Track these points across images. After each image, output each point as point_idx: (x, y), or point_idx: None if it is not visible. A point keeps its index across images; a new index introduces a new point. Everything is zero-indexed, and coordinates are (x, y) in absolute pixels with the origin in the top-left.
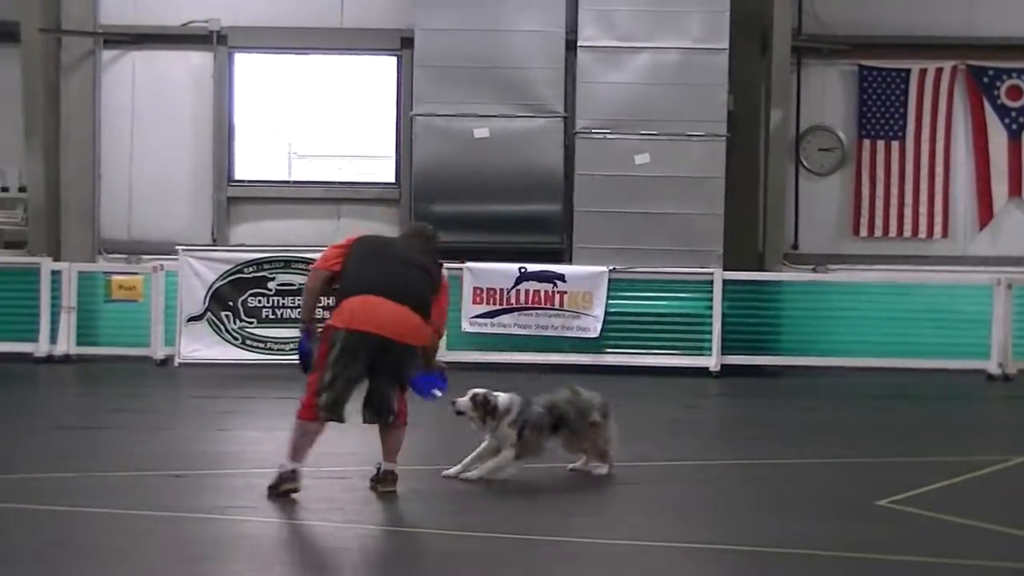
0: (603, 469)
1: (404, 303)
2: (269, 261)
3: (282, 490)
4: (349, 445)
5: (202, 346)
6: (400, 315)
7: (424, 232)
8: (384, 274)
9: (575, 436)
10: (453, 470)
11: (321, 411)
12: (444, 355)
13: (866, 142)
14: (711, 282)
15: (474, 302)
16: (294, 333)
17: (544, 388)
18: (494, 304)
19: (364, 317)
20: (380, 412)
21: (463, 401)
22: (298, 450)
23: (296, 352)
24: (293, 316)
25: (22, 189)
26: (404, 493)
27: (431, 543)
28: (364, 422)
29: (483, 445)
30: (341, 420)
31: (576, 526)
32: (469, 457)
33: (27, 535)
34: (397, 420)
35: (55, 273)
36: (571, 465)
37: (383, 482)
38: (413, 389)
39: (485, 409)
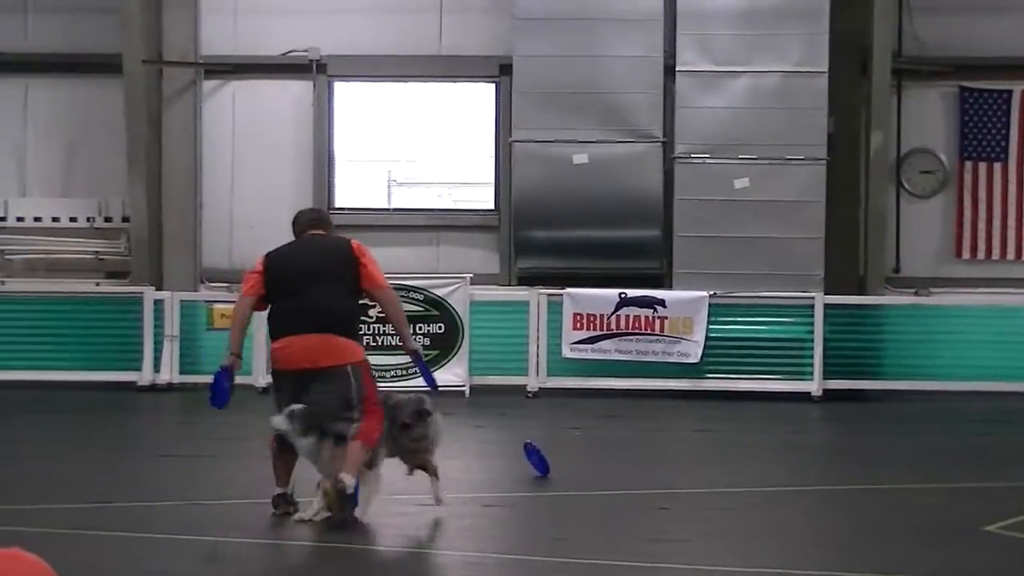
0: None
1: (325, 331)
2: None
3: (278, 513)
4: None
5: None
6: (320, 344)
7: (320, 217)
8: (300, 305)
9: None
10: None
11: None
12: (545, 381)
13: (968, 164)
14: (812, 306)
15: (574, 328)
16: (397, 360)
17: (646, 415)
18: (594, 330)
19: (286, 358)
20: (310, 427)
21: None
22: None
23: (212, 384)
24: (393, 343)
25: (125, 219)
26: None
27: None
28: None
29: None
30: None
31: (668, 552)
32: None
33: (132, 564)
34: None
35: (158, 302)
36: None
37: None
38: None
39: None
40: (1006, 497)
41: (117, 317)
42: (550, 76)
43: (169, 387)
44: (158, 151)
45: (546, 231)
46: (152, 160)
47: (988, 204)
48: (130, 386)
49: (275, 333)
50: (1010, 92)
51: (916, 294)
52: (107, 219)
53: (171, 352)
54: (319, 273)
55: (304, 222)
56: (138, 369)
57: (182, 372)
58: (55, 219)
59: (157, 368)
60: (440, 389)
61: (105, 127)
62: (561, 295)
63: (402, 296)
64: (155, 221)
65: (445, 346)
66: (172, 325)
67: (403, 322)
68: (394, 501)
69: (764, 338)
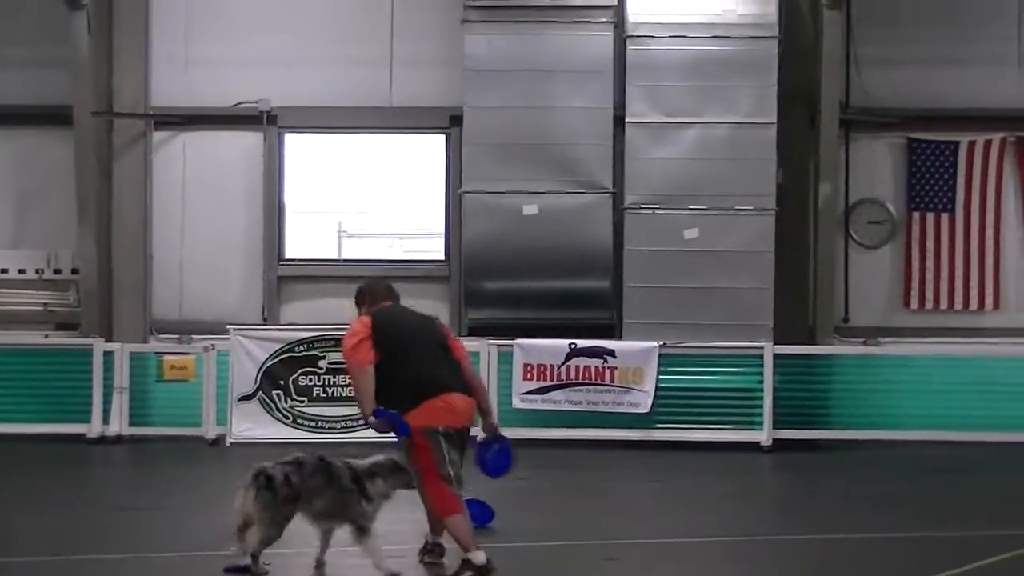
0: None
1: (464, 391)
2: (320, 340)
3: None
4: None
5: (254, 425)
6: (468, 404)
7: (395, 291)
8: (438, 366)
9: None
10: None
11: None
12: None
13: (916, 214)
14: (762, 356)
15: (524, 378)
16: (345, 411)
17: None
18: (545, 380)
19: (451, 414)
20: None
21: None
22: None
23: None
24: (345, 395)
25: (74, 271)
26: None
27: None
28: None
29: None
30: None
31: None
32: None
33: None
34: None
35: (107, 354)
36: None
37: (430, 554)
38: (485, 469)
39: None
40: (952, 546)
41: (66, 369)
42: (500, 127)
43: (119, 439)
44: (108, 202)
45: (496, 282)
46: (102, 211)
47: (936, 254)
48: (79, 438)
49: (426, 386)
50: (957, 143)
51: (865, 344)
52: (56, 271)
53: (121, 404)
54: (432, 334)
55: (383, 293)
56: (87, 421)
57: (132, 424)
58: (3, 271)
59: (107, 420)
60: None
61: (55, 178)
62: (511, 346)
63: None
64: (105, 272)
65: None
66: (122, 376)
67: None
68: (353, 552)
69: (714, 388)
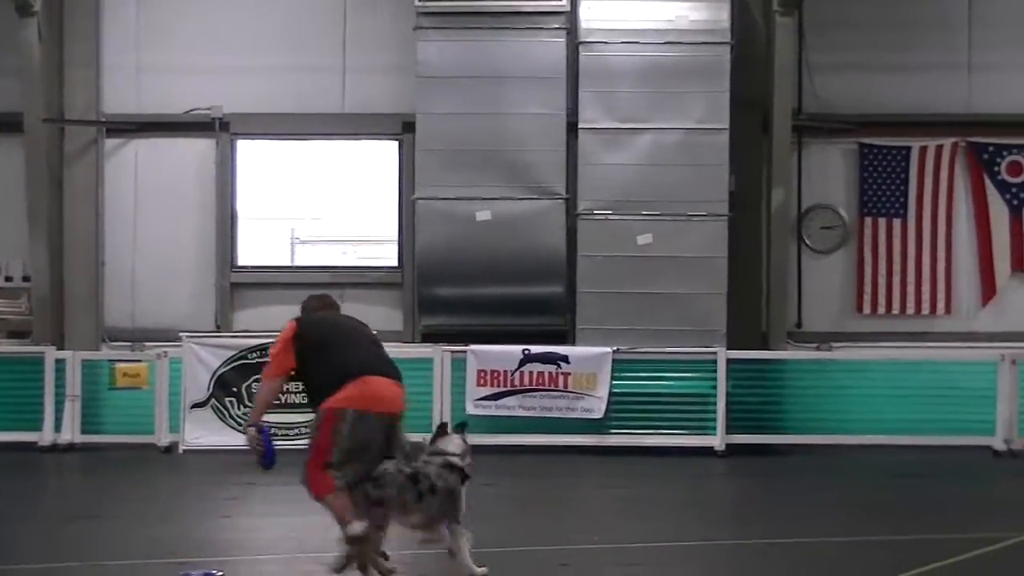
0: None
1: (393, 379)
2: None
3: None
4: None
5: (206, 432)
6: (394, 390)
7: (332, 301)
8: (364, 353)
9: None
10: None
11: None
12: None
13: (868, 220)
14: (715, 361)
15: (478, 384)
16: (299, 418)
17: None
18: (498, 386)
19: (376, 397)
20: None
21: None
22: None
23: (263, 450)
24: (298, 401)
25: (26, 279)
26: None
27: None
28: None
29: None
30: None
31: None
32: None
33: None
34: None
35: (59, 362)
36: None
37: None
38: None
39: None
40: (905, 550)
41: (18, 377)
42: (453, 133)
43: (71, 447)
44: (59, 210)
45: (450, 288)
46: (53, 219)
47: (888, 259)
48: (31, 446)
49: (341, 380)
50: (909, 148)
51: (818, 348)
52: (8, 278)
53: (73, 412)
54: (363, 333)
55: (316, 305)
56: (39, 429)
57: (84, 432)
58: None
59: (59, 428)
60: None
61: (6, 186)
62: (465, 352)
63: None
64: (56, 280)
65: None
66: (74, 385)
67: None
68: (304, 559)
69: (667, 393)
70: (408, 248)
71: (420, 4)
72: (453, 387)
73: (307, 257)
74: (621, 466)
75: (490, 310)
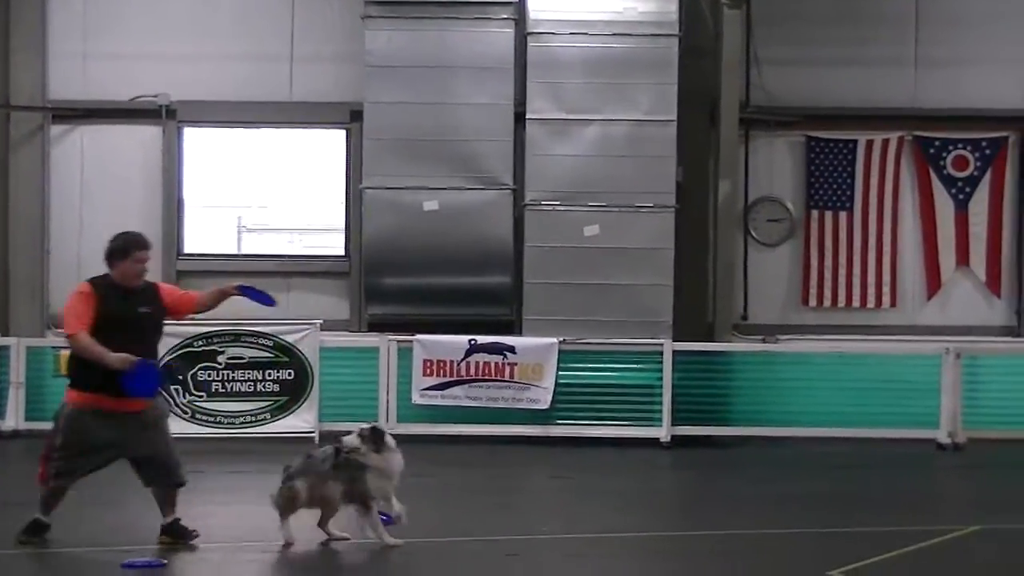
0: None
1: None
2: (218, 335)
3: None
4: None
5: None
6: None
7: (142, 243)
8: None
9: None
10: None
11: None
12: (395, 427)
13: (814, 213)
14: (661, 353)
15: (424, 374)
16: (245, 406)
17: (496, 461)
18: (444, 376)
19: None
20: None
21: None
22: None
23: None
24: (244, 390)
25: None
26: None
27: None
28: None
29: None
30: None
31: None
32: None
33: None
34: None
35: (3, 348)
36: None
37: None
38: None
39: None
40: (849, 542)
41: None
42: (401, 123)
43: (15, 434)
44: (4, 196)
45: (396, 278)
46: None
47: (834, 252)
48: None
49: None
50: (855, 142)
51: (764, 341)
52: None
53: (17, 399)
54: (145, 313)
55: (136, 240)
56: None
57: (28, 419)
58: None
59: (2, 415)
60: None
61: None
62: (411, 341)
63: (251, 343)
64: (1, 266)
65: (295, 392)
66: (18, 371)
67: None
68: (245, 548)
69: (614, 384)
70: (355, 237)
71: None
72: (399, 377)
73: (254, 245)
74: (567, 457)
75: (437, 300)
